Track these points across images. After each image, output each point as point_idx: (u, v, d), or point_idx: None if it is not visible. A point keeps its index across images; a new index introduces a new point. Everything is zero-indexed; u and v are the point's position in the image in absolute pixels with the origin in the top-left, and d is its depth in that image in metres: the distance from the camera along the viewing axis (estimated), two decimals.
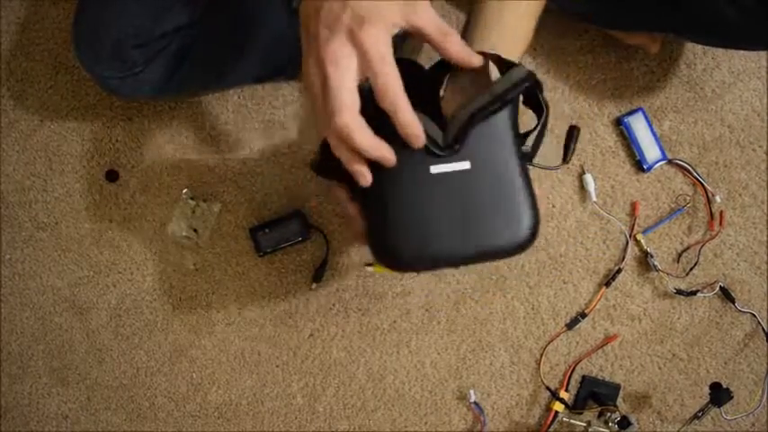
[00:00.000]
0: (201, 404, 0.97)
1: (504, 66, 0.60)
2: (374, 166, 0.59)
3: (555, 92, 0.91)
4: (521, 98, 0.63)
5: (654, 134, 0.89)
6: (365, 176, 0.56)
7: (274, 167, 0.94)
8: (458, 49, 0.56)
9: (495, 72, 0.61)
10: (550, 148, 0.91)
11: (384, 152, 0.55)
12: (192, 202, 0.94)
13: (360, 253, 0.93)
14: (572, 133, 0.65)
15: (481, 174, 0.59)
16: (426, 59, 0.72)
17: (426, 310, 0.93)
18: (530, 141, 0.64)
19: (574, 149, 0.64)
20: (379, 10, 0.53)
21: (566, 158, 0.65)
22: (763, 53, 0.89)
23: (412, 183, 0.59)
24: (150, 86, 0.82)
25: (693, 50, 0.90)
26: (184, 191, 0.95)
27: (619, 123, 0.90)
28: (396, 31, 0.55)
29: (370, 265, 0.64)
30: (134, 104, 0.95)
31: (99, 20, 0.77)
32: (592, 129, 0.91)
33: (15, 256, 0.98)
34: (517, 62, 0.61)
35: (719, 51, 0.89)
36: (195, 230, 0.95)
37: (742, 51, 0.88)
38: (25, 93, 0.97)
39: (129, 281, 0.97)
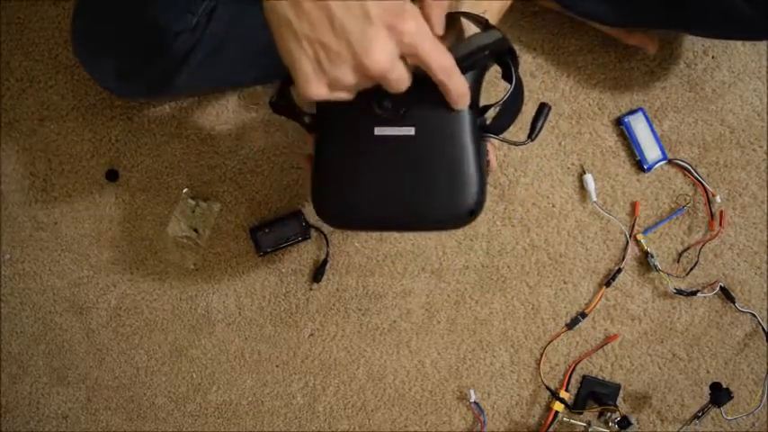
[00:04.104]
0: (201, 404, 0.97)
1: (483, 28, 0.57)
2: (323, 124, 0.60)
3: (555, 92, 0.91)
4: (491, 68, 0.60)
5: (654, 134, 0.89)
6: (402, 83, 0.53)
7: (274, 167, 0.94)
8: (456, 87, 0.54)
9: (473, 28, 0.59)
10: (551, 147, 0.91)
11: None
12: (192, 202, 0.94)
13: (360, 253, 0.93)
14: (542, 110, 0.62)
15: (427, 141, 0.57)
16: None
17: (426, 310, 0.93)
18: (494, 115, 0.61)
19: (542, 127, 0.61)
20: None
21: (531, 135, 0.61)
22: (763, 53, 0.89)
23: (354, 143, 0.59)
24: (149, 87, 0.82)
25: (693, 50, 0.89)
26: (184, 191, 0.95)
27: (619, 123, 0.90)
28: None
29: None
30: (134, 104, 0.95)
31: (96, 21, 0.77)
32: (592, 129, 0.91)
33: (15, 256, 0.98)
34: (494, 25, 0.57)
35: (720, 51, 0.89)
36: (195, 230, 0.94)
37: (743, 50, 0.88)
38: (25, 92, 0.97)
39: (129, 281, 0.97)
